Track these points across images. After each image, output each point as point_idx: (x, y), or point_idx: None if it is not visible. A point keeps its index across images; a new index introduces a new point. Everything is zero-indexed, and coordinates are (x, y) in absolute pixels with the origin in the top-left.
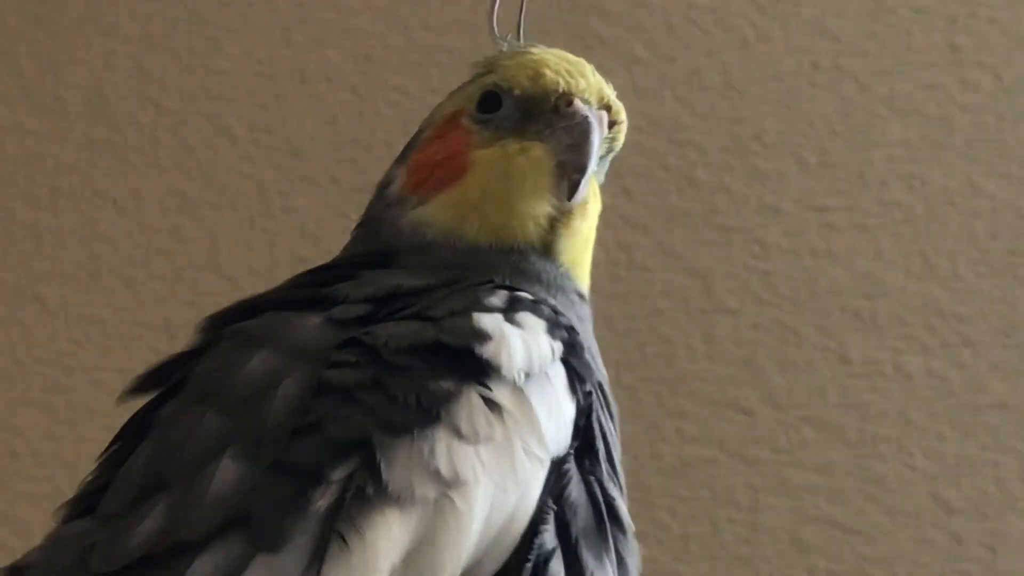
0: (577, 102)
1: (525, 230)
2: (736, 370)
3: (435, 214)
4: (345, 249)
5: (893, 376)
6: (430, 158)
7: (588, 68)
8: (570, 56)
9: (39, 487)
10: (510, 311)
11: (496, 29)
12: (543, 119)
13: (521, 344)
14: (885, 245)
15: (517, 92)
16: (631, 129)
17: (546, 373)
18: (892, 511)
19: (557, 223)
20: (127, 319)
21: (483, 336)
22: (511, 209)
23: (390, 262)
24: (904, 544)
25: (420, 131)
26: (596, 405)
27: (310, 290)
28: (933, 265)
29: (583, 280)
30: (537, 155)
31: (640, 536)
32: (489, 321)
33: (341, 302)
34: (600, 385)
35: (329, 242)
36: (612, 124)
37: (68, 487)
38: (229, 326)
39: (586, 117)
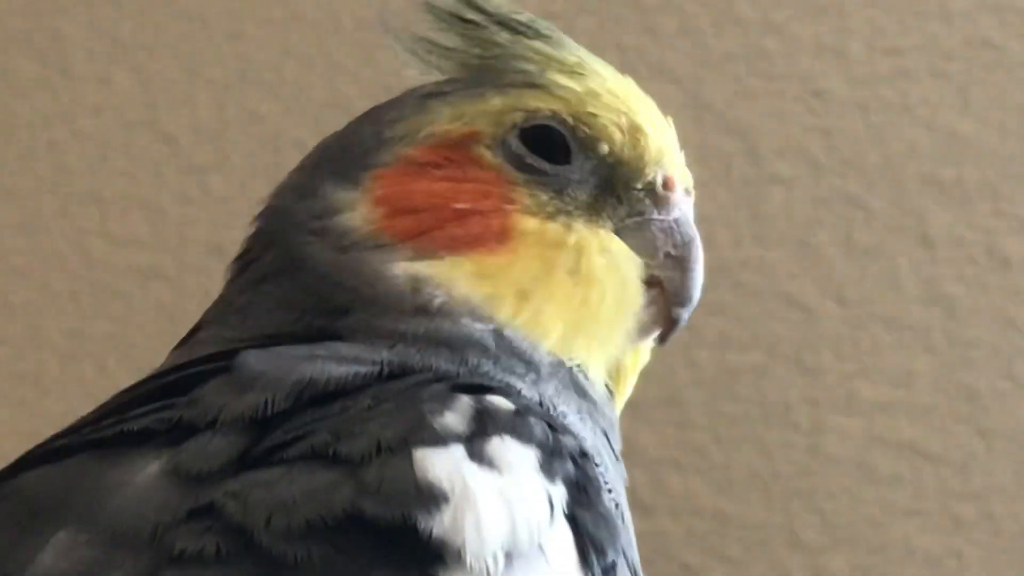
0: (679, 185)
1: (589, 359)
2: (791, 256)
3: (453, 279)
4: (229, 305)
5: (986, 262)
6: (434, 200)
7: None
8: (648, 98)
9: None
10: (477, 437)
11: None
12: (628, 197)
13: (497, 502)
14: (973, 96)
15: (604, 148)
16: None
17: (540, 547)
18: (987, 434)
19: (625, 358)
20: (49, 189)
21: (431, 497)
22: (580, 326)
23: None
24: (1002, 475)
25: (380, 135)
26: None
27: (163, 406)
28: None
29: (619, 406)
30: (626, 261)
31: (675, 464)
32: (441, 465)
33: (205, 426)
34: (624, 551)
35: (288, 96)
36: None
37: None
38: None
39: (687, 213)
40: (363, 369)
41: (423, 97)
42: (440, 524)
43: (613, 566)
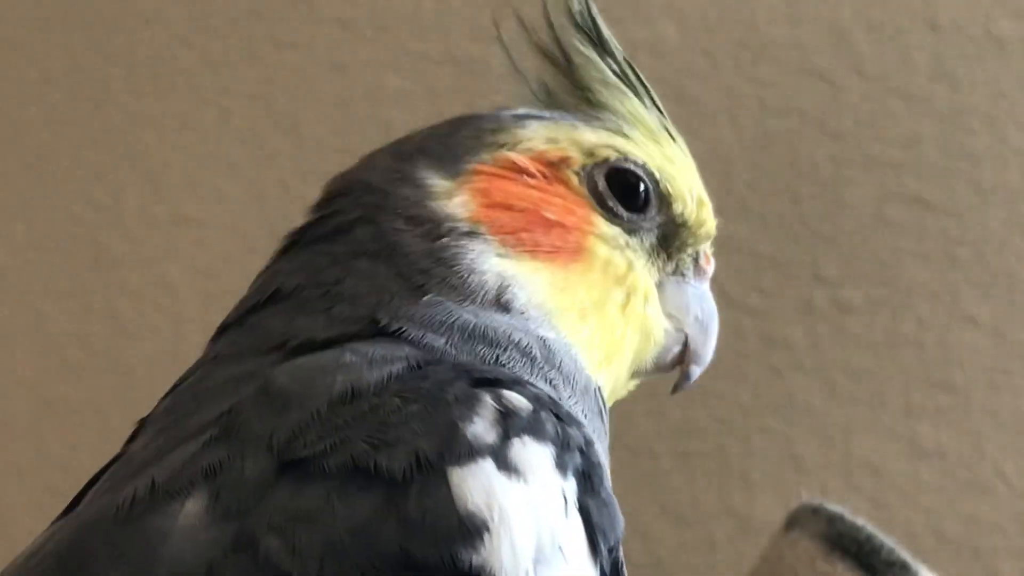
0: (711, 269)
1: (605, 379)
2: (820, 36)
3: (532, 283)
4: (315, 275)
5: (985, 43)
6: (528, 203)
7: None
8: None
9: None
10: (504, 443)
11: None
12: (678, 257)
13: (527, 517)
14: None
15: (678, 208)
16: None
17: (559, 547)
18: (982, 188)
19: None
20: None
21: (474, 528)
22: (612, 358)
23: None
24: (994, 224)
25: (480, 138)
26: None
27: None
28: None
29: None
30: (658, 316)
31: (720, 211)
32: (477, 488)
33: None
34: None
35: None
36: None
37: None
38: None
39: (712, 299)
40: (392, 368)
41: (520, 117)
42: (480, 554)
43: (616, 545)
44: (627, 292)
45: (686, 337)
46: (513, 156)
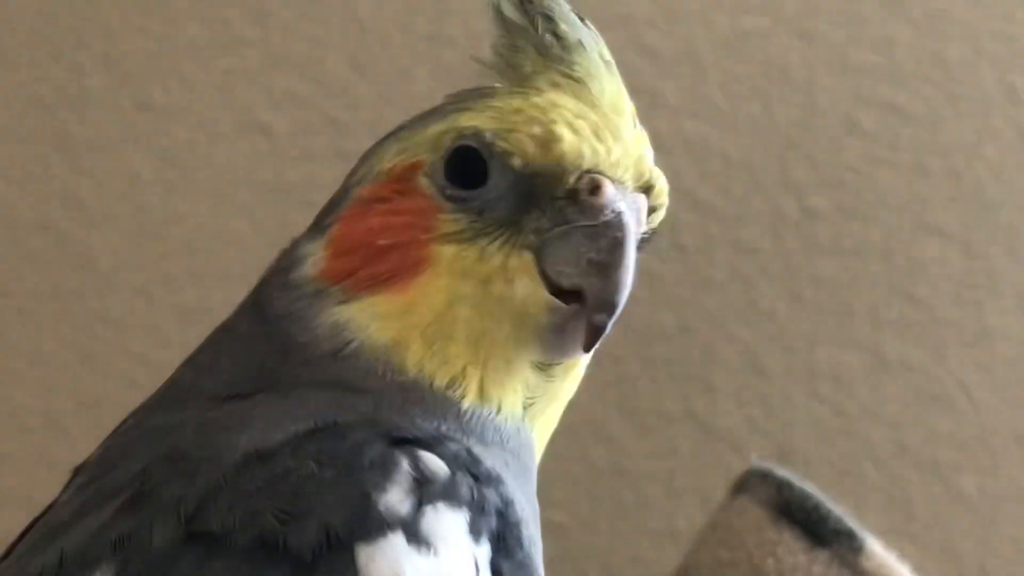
0: (608, 187)
1: (490, 394)
2: None
3: (366, 322)
4: (214, 354)
5: None
6: (365, 237)
7: (626, 116)
8: (596, 89)
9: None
10: (416, 513)
11: None
12: (552, 208)
13: None
14: None
15: (517, 162)
16: None
17: None
18: (955, 96)
19: (539, 382)
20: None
21: None
22: (488, 365)
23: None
24: (967, 133)
25: (346, 189)
26: None
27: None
28: None
29: (542, 444)
30: (528, 286)
31: (691, 113)
32: (385, 565)
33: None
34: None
35: None
36: (650, 211)
37: None
38: None
39: (620, 215)
40: (298, 427)
41: (382, 140)
42: None
43: None
44: (482, 283)
45: (582, 291)
46: (362, 191)
